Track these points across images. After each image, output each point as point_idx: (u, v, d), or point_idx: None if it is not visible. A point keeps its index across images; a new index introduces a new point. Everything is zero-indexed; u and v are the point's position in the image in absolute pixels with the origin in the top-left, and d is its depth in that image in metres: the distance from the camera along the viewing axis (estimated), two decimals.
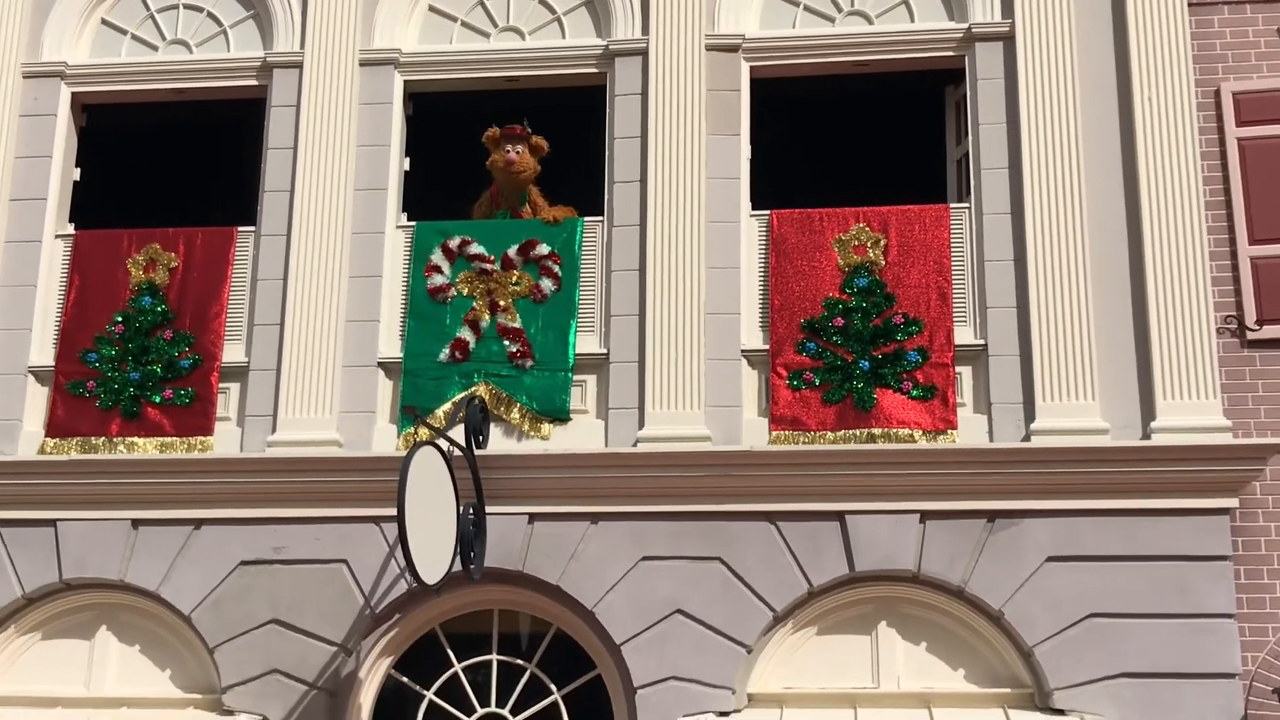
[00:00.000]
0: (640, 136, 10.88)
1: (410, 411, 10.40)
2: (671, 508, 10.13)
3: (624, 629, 10.01)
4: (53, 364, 10.98)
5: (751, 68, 11.05)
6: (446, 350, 10.67)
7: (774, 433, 10.27)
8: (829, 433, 10.23)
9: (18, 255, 11.20)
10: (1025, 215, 10.39)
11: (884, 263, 10.50)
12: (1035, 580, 9.79)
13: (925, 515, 9.96)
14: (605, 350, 10.61)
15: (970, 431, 10.19)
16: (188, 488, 10.47)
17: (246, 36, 11.59)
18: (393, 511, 9.22)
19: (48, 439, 10.81)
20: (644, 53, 11.02)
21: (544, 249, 10.80)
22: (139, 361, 10.86)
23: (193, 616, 10.35)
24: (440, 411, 10.52)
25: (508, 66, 11.25)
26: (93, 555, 10.50)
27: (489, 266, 10.82)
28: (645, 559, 10.10)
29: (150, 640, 10.61)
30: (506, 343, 10.65)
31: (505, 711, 10.28)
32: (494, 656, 10.42)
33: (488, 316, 10.72)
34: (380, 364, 10.75)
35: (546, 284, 10.73)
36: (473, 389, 10.56)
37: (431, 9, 11.49)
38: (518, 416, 10.51)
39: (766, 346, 10.47)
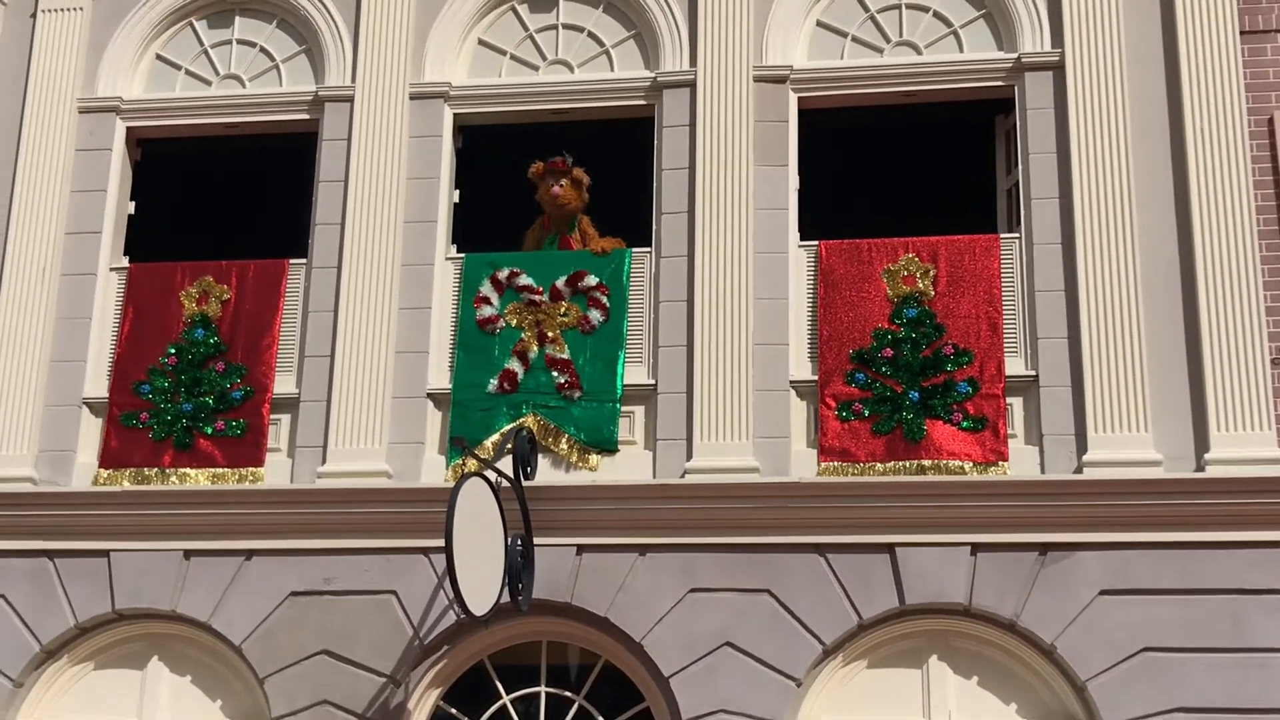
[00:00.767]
0: (688, 167, 10.90)
1: (458, 443, 10.42)
2: (720, 539, 10.09)
3: (673, 661, 9.98)
4: (106, 395, 11.08)
5: (799, 98, 11.04)
6: (495, 381, 10.70)
7: (823, 464, 10.23)
8: (878, 464, 10.17)
9: (73, 288, 11.34)
10: (1076, 245, 10.32)
11: (933, 293, 10.45)
12: (1088, 614, 9.69)
13: (976, 548, 9.88)
14: (653, 381, 10.60)
15: (1021, 463, 10.11)
16: (239, 518, 10.54)
17: (298, 71, 11.70)
18: (441, 543, 9.23)
19: (101, 470, 10.91)
20: (692, 84, 11.04)
21: (592, 280, 10.82)
22: (191, 393, 10.94)
23: (243, 647, 10.40)
24: (488, 443, 10.54)
25: (557, 99, 11.30)
26: (145, 586, 10.58)
27: (537, 298, 10.85)
28: (694, 591, 10.07)
29: (201, 670, 10.67)
30: (555, 374, 10.66)
31: None
32: (542, 688, 10.40)
33: (536, 347, 10.74)
34: (429, 395, 10.79)
35: (595, 315, 10.75)
36: (521, 420, 10.58)
37: (481, 42, 11.56)
38: (566, 448, 10.51)
39: (815, 377, 10.44)
